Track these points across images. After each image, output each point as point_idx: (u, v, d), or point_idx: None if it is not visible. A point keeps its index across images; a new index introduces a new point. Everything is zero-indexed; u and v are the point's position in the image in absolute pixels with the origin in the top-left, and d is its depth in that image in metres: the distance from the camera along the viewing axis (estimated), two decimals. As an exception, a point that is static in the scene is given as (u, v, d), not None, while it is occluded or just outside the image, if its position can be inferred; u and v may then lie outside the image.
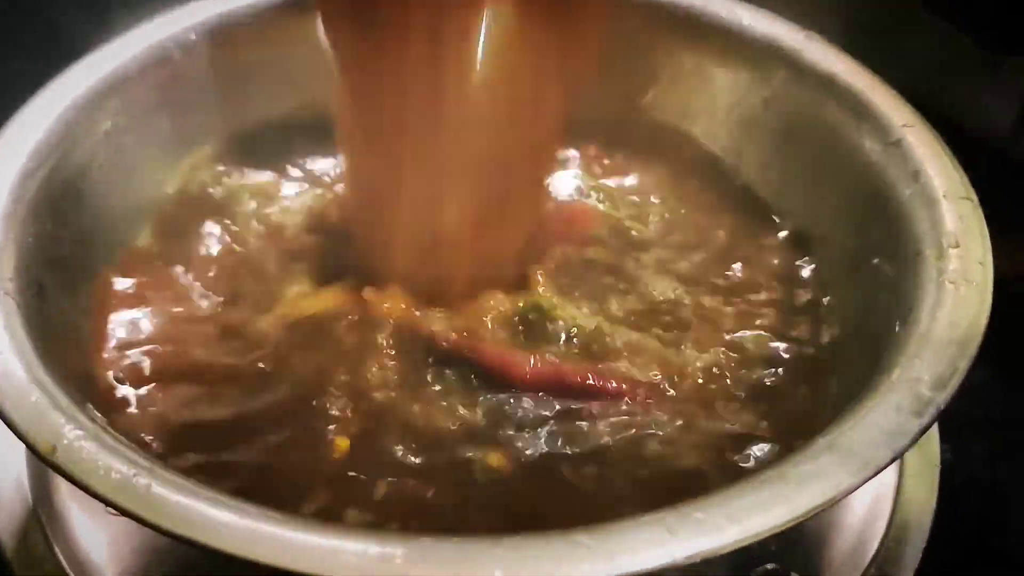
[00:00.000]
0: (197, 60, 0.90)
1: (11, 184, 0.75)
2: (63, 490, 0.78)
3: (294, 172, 0.93)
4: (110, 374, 0.76)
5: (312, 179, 0.92)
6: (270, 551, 0.56)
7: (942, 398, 0.64)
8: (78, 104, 0.82)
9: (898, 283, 0.74)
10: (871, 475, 0.61)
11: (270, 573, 0.55)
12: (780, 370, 0.80)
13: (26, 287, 0.71)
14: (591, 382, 0.76)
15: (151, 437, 0.72)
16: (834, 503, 0.60)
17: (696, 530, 0.57)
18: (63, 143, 0.80)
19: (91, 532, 0.77)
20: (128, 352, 0.78)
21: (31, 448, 0.60)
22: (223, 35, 0.91)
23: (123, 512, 0.58)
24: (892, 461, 0.62)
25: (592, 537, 0.57)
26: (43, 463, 0.60)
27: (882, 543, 0.79)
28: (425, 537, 0.57)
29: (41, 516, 0.78)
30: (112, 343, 0.78)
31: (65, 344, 0.73)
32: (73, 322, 0.76)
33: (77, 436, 0.61)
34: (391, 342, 0.77)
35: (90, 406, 0.66)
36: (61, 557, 0.77)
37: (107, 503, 0.58)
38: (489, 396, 0.76)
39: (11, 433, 0.62)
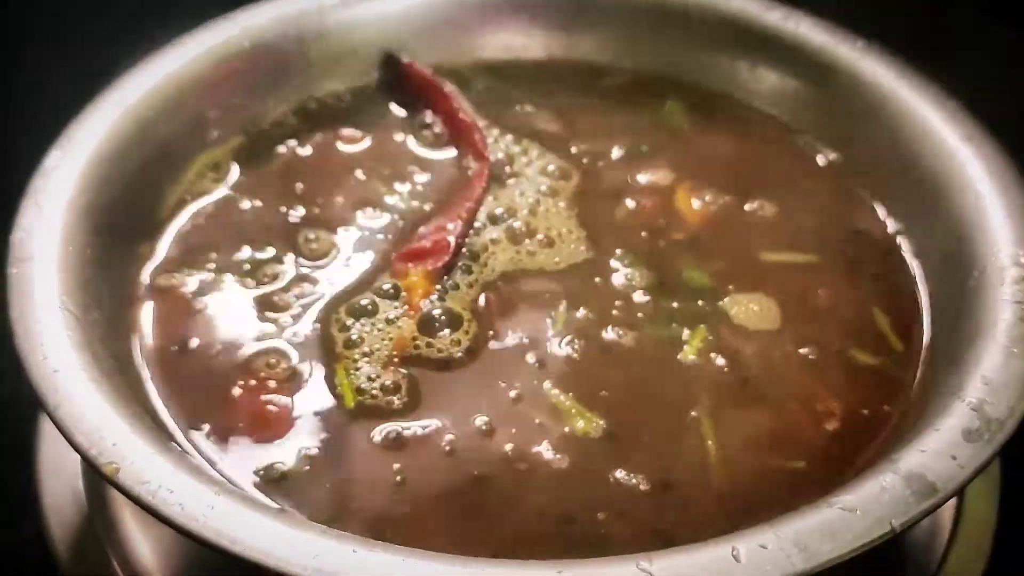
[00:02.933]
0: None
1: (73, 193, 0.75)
2: (119, 498, 0.77)
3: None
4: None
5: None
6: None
7: (1012, 424, 0.63)
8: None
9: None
10: (941, 502, 0.60)
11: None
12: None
13: (85, 300, 0.70)
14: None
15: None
16: (904, 530, 0.59)
17: (762, 558, 0.57)
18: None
19: (146, 540, 0.78)
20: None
21: (95, 469, 0.60)
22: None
23: (186, 534, 0.58)
24: (962, 488, 0.61)
25: (656, 564, 0.56)
26: (108, 482, 0.60)
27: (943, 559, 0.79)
28: (487, 563, 0.57)
29: (96, 524, 0.78)
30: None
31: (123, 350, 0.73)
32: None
33: (139, 456, 0.61)
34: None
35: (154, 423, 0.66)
36: (116, 566, 0.77)
37: (170, 525, 0.58)
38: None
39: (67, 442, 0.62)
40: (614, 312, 0.78)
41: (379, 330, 0.76)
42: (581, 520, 0.67)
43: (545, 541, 0.66)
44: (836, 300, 0.79)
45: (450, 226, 0.80)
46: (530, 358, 0.75)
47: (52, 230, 0.73)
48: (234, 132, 0.89)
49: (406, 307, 0.77)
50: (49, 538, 0.78)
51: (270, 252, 0.81)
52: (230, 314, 0.77)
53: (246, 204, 0.85)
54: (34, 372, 0.65)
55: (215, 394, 0.72)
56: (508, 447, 0.70)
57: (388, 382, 0.73)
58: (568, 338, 0.76)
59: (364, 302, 0.77)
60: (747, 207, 0.86)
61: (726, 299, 0.79)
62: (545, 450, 0.70)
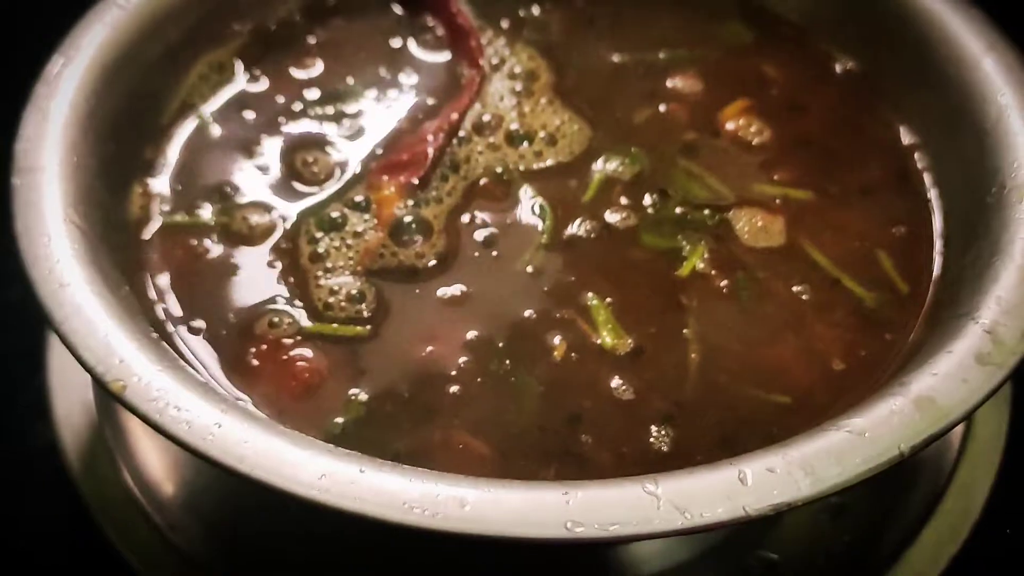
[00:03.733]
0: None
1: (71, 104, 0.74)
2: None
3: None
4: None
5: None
6: (338, 495, 0.56)
7: (1024, 348, 0.62)
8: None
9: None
10: (951, 427, 0.60)
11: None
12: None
13: (90, 211, 0.70)
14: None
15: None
16: (914, 454, 0.58)
17: (769, 482, 0.56)
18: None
19: (155, 450, 0.78)
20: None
21: (102, 387, 0.60)
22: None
23: (193, 452, 0.58)
24: (973, 412, 0.60)
25: (662, 486, 0.56)
26: (115, 400, 0.60)
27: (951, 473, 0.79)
28: (495, 483, 0.57)
29: (106, 433, 0.79)
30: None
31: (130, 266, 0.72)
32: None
33: (147, 373, 0.60)
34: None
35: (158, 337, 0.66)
36: (127, 475, 0.77)
37: (176, 443, 0.58)
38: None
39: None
40: (610, 218, 0.77)
41: (347, 245, 0.75)
42: (554, 428, 0.67)
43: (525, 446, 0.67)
44: (846, 225, 0.77)
45: (430, 137, 0.79)
46: (519, 266, 0.74)
47: (56, 139, 0.72)
48: (239, 31, 0.87)
49: (375, 221, 0.76)
50: (60, 447, 0.79)
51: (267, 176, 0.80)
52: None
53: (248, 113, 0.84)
54: (40, 287, 0.64)
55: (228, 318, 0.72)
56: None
57: (354, 291, 0.73)
58: (555, 242, 0.76)
59: (334, 214, 0.76)
60: (760, 126, 0.84)
61: (731, 212, 0.77)
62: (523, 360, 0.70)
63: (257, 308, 0.72)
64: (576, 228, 0.77)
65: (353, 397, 0.68)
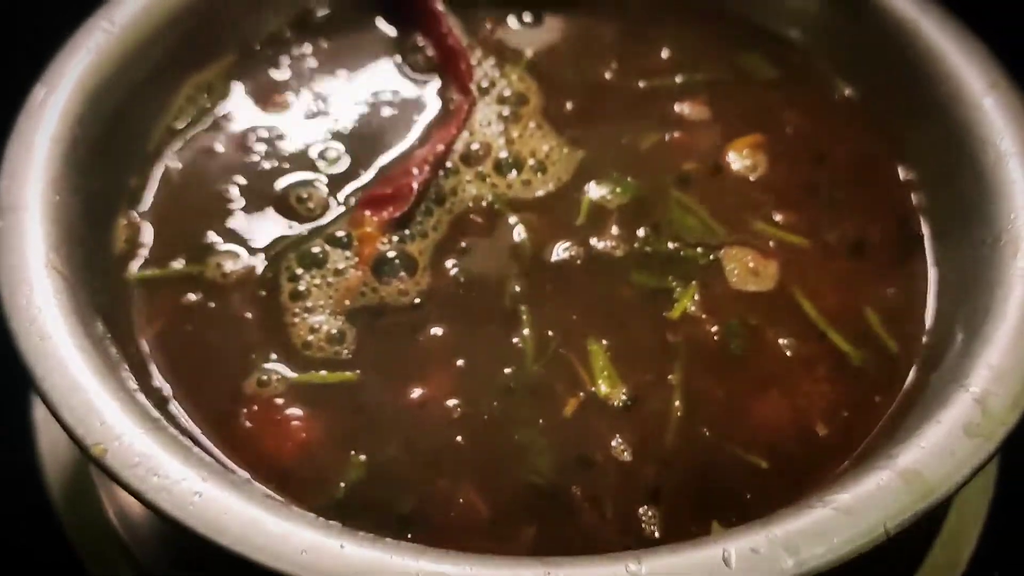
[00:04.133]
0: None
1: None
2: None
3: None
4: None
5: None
6: (318, 573, 0.55)
7: (1015, 418, 0.62)
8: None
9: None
10: (937, 502, 0.59)
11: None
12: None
13: (72, 253, 0.69)
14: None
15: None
16: (899, 532, 0.58)
17: (753, 562, 0.56)
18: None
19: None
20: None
21: (83, 451, 0.60)
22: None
23: (173, 524, 0.57)
24: (962, 486, 0.60)
25: (646, 565, 0.56)
26: (95, 465, 0.59)
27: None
28: (476, 560, 0.57)
29: (91, 470, 0.78)
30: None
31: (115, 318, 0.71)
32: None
33: (129, 435, 0.60)
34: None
35: (142, 396, 0.65)
36: (110, 511, 0.77)
37: (157, 513, 0.58)
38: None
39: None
40: (599, 250, 0.76)
41: (328, 284, 0.74)
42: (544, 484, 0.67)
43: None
44: (839, 277, 0.76)
45: (415, 170, 0.77)
46: (507, 303, 0.74)
47: (39, 175, 0.70)
48: (227, 50, 0.85)
49: (355, 258, 0.75)
50: (44, 480, 0.79)
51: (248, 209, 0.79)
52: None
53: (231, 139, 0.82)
54: (21, 340, 0.63)
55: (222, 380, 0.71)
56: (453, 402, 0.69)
57: (334, 331, 0.72)
58: (543, 278, 0.75)
59: (315, 250, 0.75)
60: (754, 158, 0.82)
61: (722, 251, 0.76)
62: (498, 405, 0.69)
63: (244, 359, 0.71)
64: (564, 259, 0.76)
65: (353, 458, 0.67)
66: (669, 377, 0.71)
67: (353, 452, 0.67)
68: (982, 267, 0.70)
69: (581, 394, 0.70)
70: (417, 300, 0.74)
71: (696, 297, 0.74)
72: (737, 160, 0.81)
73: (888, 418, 0.69)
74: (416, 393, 0.69)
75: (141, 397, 0.65)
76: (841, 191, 0.80)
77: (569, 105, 0.84)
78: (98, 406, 0.61)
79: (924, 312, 0.74)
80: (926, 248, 0.77)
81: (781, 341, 0.72)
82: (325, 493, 0.65)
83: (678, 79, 0.86)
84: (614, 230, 0.77)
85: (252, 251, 0.75)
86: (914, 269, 0.76)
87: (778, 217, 0.78)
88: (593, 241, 0.77)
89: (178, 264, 0.75)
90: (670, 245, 0.76)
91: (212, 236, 0.76)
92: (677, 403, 0.69)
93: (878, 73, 0.84)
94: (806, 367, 0.71)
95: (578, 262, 0.76)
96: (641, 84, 0.86)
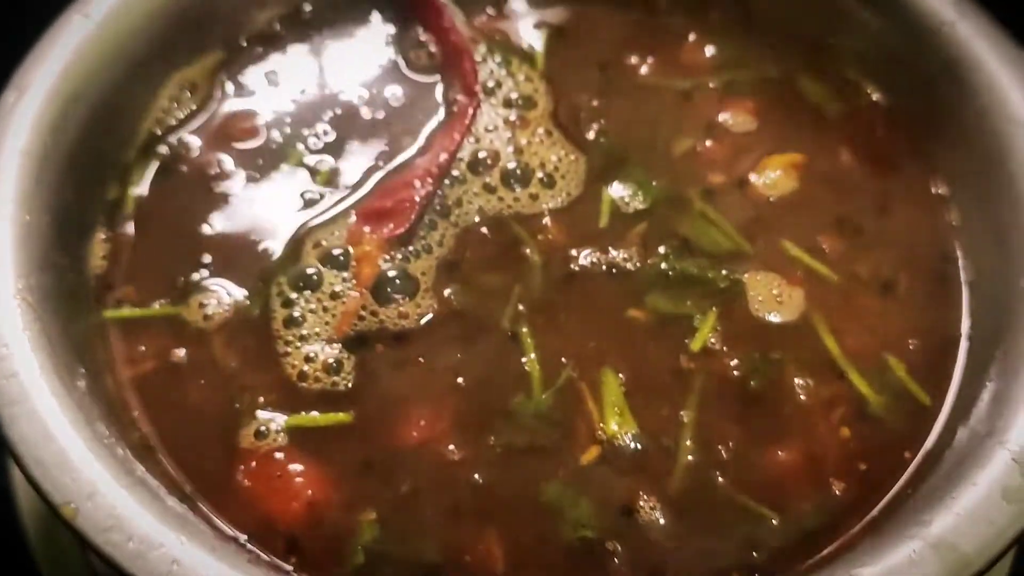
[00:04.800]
0: None
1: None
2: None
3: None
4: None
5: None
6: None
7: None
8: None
9: None
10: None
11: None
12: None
13: (43, 280, 0.64)
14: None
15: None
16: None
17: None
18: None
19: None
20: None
21: (52, 510, 0.55)
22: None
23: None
24: (1000, 558, 0.56)
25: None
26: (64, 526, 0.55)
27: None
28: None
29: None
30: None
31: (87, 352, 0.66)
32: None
33: (102, 493, 0.56)
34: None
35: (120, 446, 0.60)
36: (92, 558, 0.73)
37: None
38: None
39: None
40: (616, 264, 0.71)
41: (324, 308, 0.69)
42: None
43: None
44: (866, 315, 0.71)
45: (417, 183, 0.72)
46: (515, 326, 0.69)
47: (7, 195, 0.65)
48: (213, 45, 0.79)
49: (353, 280, 0.70)
50: (22, 525, 0.75)
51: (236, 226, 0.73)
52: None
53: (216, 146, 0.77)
54: (-13, 382, 0.59)
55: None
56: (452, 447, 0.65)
57: (331, 360, 0.67)
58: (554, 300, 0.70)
59: (309, 271, 0.70)
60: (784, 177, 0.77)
61: (746, 275, 0.71)
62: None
63: (236, 399, 0.66)
64: (576, 277, 0.71)
65: (363, 516, 0.63)
66: (682, 414, 0.66)
67: (363, 510, 0.63)
68: (1019, 305, 0.65)
69: (598, 433, 0.65)
70: (420, 324, 0.69)
71: (717, 327, 0.69)
72: (769, 177, 0.76)
73: (912, 474, 0.64)
74: (419, 432, 0.65)
75: (119, 447, 0.60)
76: (876, 225, 0.74)
77: (595, 102, 0.79)
78: (70, 458, 0.57)
79: (955, 358, 0.69)
80: (961, 290, 0.72)
81: (800, 381, 0.67)
82: (345, 561, 0.61)
83: (719, 83, 0.80)
84: (632, 241, 0.72)
85: (240, 274, 0.70)
86: (946, 311, 0.71)
87: (808, 243, 0.73)
88: (611, 254, 0.72)
89: (159, 291, 0.70)
90: (692, 265, 0.71)
91: (197, 255, 0.71)
92: (688, 443, 0.65)
93: (925, 87, 0.77)
94: (824, 410, 0.67)
95: (591, 281, 0.71)
96: (682, 84, 0.80)
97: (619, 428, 0.65)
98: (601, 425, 0.65)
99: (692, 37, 0.82)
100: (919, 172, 0.76)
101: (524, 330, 0.69)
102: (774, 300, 0.70)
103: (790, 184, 0.75)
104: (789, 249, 0.72)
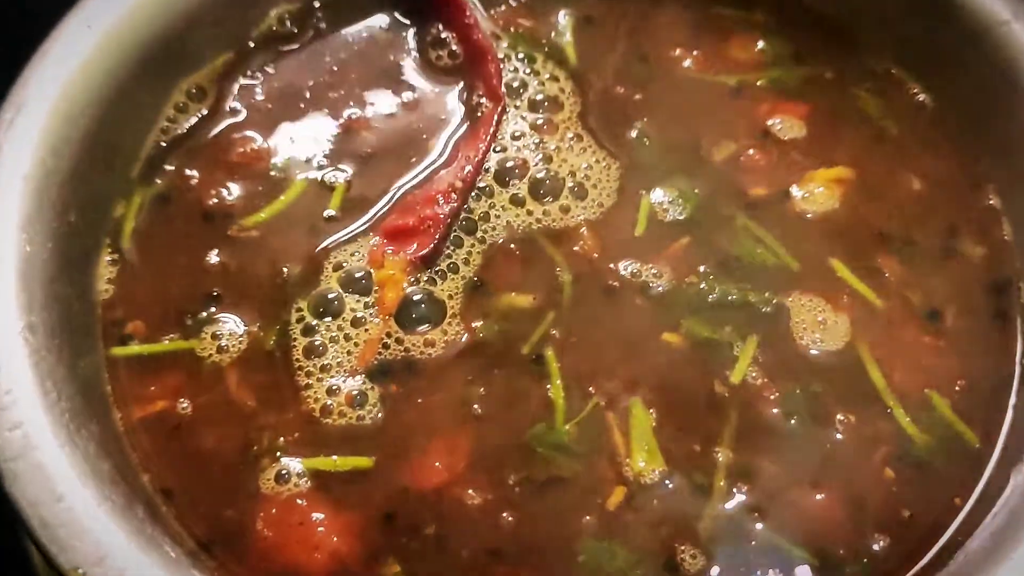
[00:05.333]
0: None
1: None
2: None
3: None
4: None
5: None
6: None
7: None
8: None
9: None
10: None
11: None
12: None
13: (48, 314, 0.60)
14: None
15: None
16: None
17: None
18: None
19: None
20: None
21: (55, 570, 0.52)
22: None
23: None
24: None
25: None
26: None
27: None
28: None
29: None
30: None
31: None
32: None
33: (113, 556, 0.53)
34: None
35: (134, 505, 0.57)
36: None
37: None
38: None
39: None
40: (652, 284, 0.67)
41: (345, 336, 0.65)
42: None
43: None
44: (915, 347, 0.67)
45: (440, 200, 0.68)
46: (542, 350, 0.65)
47: (8, 223, 0.61)
48: (220, 48, 0.74)
49: (376, 306, 0.66)
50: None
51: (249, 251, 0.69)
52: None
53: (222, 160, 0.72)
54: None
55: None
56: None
57: (355, 393, 0.64)
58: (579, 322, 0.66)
59: (331, 295, 0.66)
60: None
61: (790, 297, 0.67)
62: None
63: (255, 441, 0.63)
64: (610, 294, 0.68)
65: (388, 571, 0.60)
66: (716, 451, 0.62)
67: (387, 561, 0.60)
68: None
69: (624, 470, 0.62)
70: (446, 352, 0.65)
71: (758, 356, 0.65)
72: (814, 192, 0.71)
73: (962, 523, 0.61)
74: (440, 474, 0.61)
75: (131, 503, 0.57)
76: (929, 251, 0.70)
77: (638, 96, 0.74)
78: (78, 517, 0.54)
79: (1008, 396, 0.65)
80: (1016, 323, 0.67)
81: (841, 417, 0.64)
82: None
83: (767, 80, 0.75)
84: (672, 256, 0.68)
85: (255, 301, 0.67)
86: (1000, 346, 0.67)
87: (853, 265, 0.69)
88: (646, 271, 0.68)
89: (169, 324, 0.66)
90: (733, 287, 0.67)
91: (208, 283, 0.67)
92: (722, 483, 0.61)
93: (968, 95, 0.72)
94: (867, 449, 0.63)
95: (624, 302, 0.67)
96: (730, 81, 0.75)
97: (646, 464, 0.62)
98: (628, 461, 0.62)
99: (741, 29, 0.77)
100: (970, 186, 0.72)
101: (549, 353, 0.65)
102: (818, 325, 0.66)
103: (835, 201, 0.71)
104: (837, 269, 0.68)
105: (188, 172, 0.71)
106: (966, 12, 0.70)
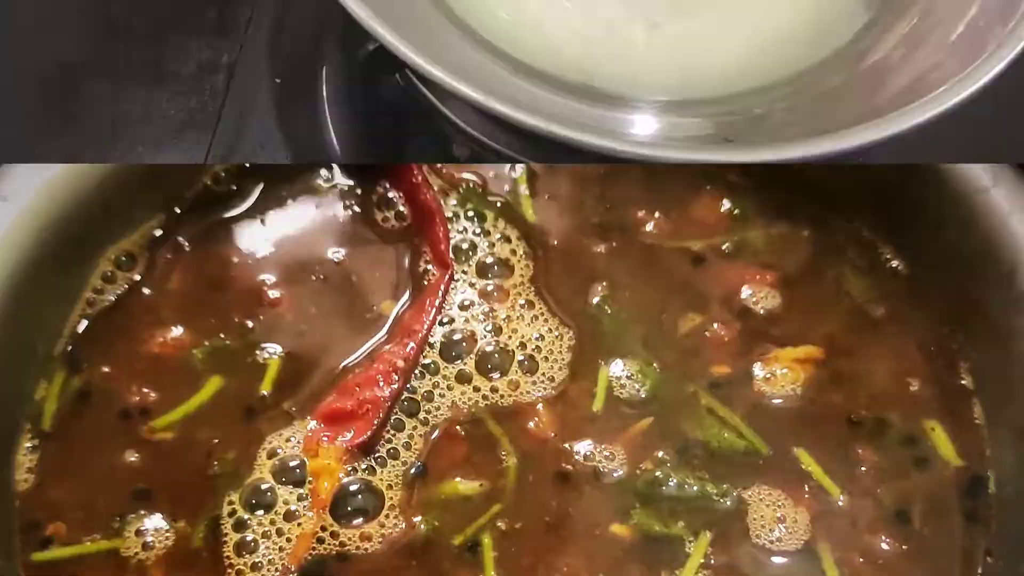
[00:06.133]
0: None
1: None
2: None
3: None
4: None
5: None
6: None
7: None
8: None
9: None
10: None
11: None
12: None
13: None
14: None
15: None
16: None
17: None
18: None
19: None
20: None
21: None
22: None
23: None
24: None
25: None
26: None
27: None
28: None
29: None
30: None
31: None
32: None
33: None
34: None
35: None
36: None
37: None
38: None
39: None
40: (605, 472, 0.64)
41: (278, 531, 0.62)
42: None
43: None
44: (880, 551, 0.63)
45: (380, 381, 0.64)
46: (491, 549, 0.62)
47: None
48: (149, 211, 0.70)
49: (310, 498, 0.62)
50: None
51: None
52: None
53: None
54: None
55: None
56: None
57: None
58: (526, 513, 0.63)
59: (263, 486, 0.63)
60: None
61: (750, 491, 0.64)
62: None
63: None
64: (560, 481, 0.64)
65: None
66: None
67: None
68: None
69: None
70: (382, 547, 0.62)
71: (710, 555, 0.61)
72: (778, 373, 0.67)
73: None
74: None
75: None
76: (899, 442, 0.66)
77: (596, 258, 0.71)
78: None
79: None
80: (986, 528, 0.64)
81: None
82: None
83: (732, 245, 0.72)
84: (628, 440, 0.65)
85: (184, 494, 0.63)
86: (967, 550, 0.63)
87: (817, 455, 0.65)
88: (599, 455, 0.64)
89: (93, 523, 0.62)
90: (690, 476, 0.64)
91: (132, 476, 0.64)
92: None
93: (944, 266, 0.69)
94: None
95: (573, 488, 0.64)
96: (694, 247, 0.72)
97: None
98: None
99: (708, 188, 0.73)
100: (945, 366, 0.68)
101: (486, 541, 0.61)
102: (777, 522, 0.63)
103: (800, 384, 0.67)
104: (802, 459, 0.65)
105: (105, 369, 0.67)
106: (949, 178, 0.67)
